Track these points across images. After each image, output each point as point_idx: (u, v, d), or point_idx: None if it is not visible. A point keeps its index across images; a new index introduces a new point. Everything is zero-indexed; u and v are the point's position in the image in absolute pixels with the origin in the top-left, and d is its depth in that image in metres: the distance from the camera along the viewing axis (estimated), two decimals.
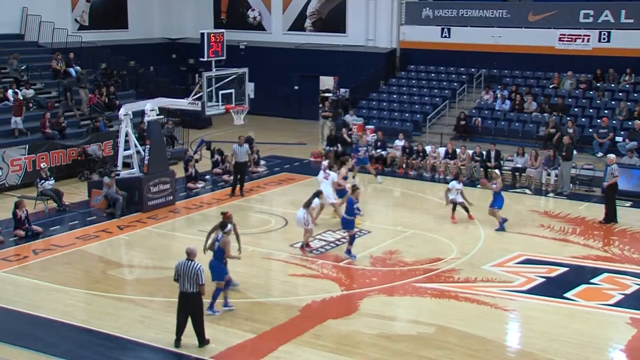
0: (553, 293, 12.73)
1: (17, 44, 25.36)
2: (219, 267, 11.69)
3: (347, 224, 14.36)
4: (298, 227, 14.69)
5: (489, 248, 15.00)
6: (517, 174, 20.64)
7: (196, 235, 15.67)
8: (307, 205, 14.40)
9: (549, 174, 20.07)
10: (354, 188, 14.68)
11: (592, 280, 13.36)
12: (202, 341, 10.61)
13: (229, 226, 11.96)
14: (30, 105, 21.90)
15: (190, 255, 10.52)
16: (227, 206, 17.23)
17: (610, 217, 16.78)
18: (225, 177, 20.54)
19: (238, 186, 18.90)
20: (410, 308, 12.21)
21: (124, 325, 11.26)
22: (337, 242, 15.38)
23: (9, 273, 13.43)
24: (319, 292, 12.72)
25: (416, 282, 13.19)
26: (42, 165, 18.75)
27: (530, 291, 12.88)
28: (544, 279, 13.41)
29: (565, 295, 12.68)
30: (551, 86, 24.84)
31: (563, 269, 13.88)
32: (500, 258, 14.46)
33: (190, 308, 10.50)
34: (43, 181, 17.54)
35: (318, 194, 14.96)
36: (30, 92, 22.29)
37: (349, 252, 14.32)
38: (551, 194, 19.66)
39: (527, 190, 19.96)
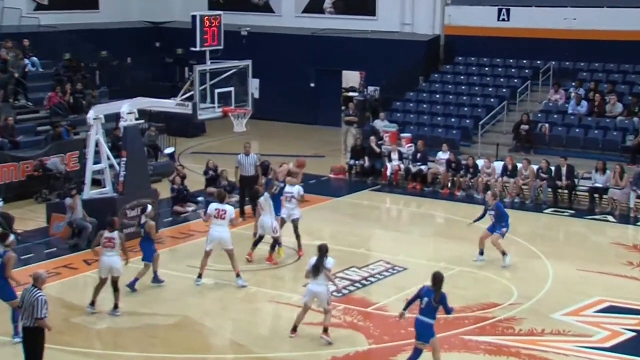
0: None
1: None
2: (3, 284, 12.13)
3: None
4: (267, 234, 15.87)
5: (560, 291, 14.93)
6: (596, 195, 20.57)
7: (184, 271, 15.78)
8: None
9: (638, 196, 19.98)
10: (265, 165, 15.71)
11: None
12: None
13: (11, 237, 12.55)
14: None
15: (37, 280, 10.66)
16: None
17: None
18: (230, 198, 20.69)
19: (248, 206, 18.92)
20: None
21: None
22: (364, 281, 15.40)
23: None
24: (341, 345, 12.70)
25: (465, 334, 13.14)
26: None
27: (616, 348, 12.78)
28: (634, 333, 13.31)
29: None
30: None
31: None
32: (574, 304, 14.37)
33: (25, 345, 10.55)
34: None
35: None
36: None
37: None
38: None
39: (609, 217, 19.88)
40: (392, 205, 21.97)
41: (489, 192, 17.10)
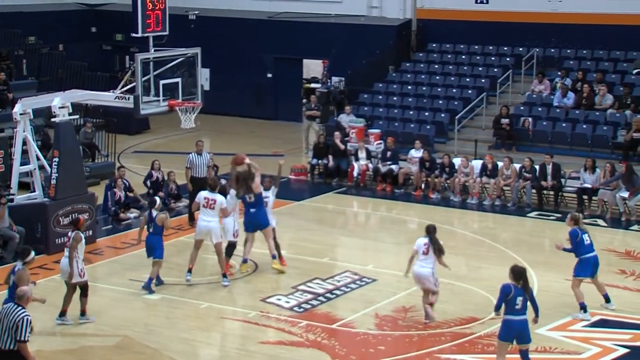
0: None
1: None
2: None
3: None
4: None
5: (546, 304, 14.98)
6: (585, 197, 20.81)
7: (126, 285, 15.67)
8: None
9: (622, 198, 20.22)
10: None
11: None
12: None
13: (32, 254, 12.52)
14: None
15: (21, 299, 10.58)
16: (172, 244, 17.25)
17: None
18: (177, 203, 20.61)
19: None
20: None
21: None
22: (329, 294, 15.41)
23: None
24: None
25: (442, 353, 13.18)
26: None
27: None
28: (627, 350, 13.40)
29: None
30: (635, 71, 25.13)
31: None
32: (562, 319, 14.47)
33: None
34: None
35: None
36: None
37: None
38: (635, 226, 19.81)
39: (599, 221, 20.11)
40: (359, 209, 22.04)
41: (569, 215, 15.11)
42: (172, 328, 14.06)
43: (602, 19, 25.95)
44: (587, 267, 14.44)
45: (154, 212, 15.37)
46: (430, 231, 13.97)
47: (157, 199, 15.90)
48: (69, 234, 14.13)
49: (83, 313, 14.07)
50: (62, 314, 13.96)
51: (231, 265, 16.48)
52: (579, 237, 14.40)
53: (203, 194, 15.80)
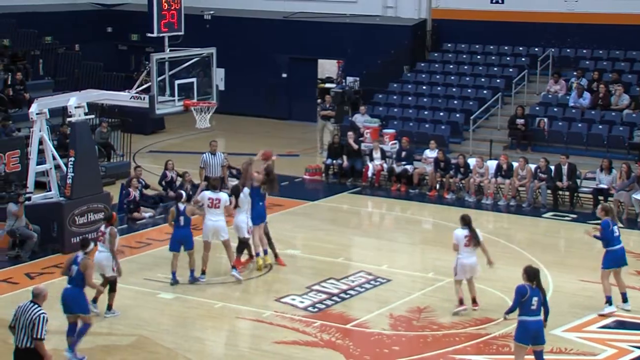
0: None
1: None
2: (80, 295, 12.64)
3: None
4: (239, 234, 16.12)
5: (562, 305, 15.01)
6: (600, 197, 20.74)
7: (141, 285, 15.72)
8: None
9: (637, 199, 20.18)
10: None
11: None
12: None
13: (92, 245, 13.05)
14: None
15: (37, 297, 10.67)
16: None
17: None
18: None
19: None
20: None
21: None
22: (343, 294, 15.42)
23: None
24: None
25: (457, 353, 13.17)
26: None
27: None
28: None
29: None
30: None
31: None
32: (577, 319, 14.45)
33: None
34: None
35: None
36: None
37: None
38: None
39: (616, 223, 19.97)
40: (374, 209, 22.03)
41: (600, 206, 15.53)
42: (187, 327, 14.10)
43: (618, 19, 25.85)
44: (615, 259, 14.54)
45: (181, 206, 15.51)
46: (468, 221, 14.36)
47: (183, 192, 16.04)
48: (102, 228, 14.35)
49: (110, 307, 14.25)
50: (94, 300, 14.16)
51: (245, 265, 16.51)
52: (610, 228, 14.51)
53: (207, 194, 15.86)
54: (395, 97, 26.94)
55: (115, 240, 14.11)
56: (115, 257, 14.12)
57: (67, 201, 17.58)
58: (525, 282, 11.64)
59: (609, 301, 14.51)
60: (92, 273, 12.88)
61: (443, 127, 25.07)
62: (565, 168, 21.00)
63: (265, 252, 16.50)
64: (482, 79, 26.74)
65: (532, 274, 11.68)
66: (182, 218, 15.50)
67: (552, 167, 21.21)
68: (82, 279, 12.62)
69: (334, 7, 29.97)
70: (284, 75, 31.11)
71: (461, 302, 14.47)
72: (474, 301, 14.54)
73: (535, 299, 11.55)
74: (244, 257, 16.58)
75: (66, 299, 12.70)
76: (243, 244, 16.37)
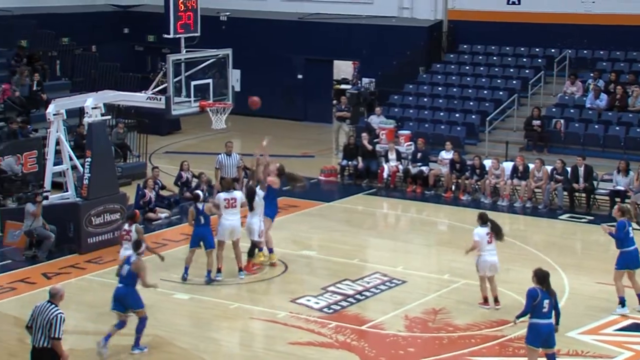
0: None
1: None
2: (133, 293, 12.97)
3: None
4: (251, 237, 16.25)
5: (578, 307, 14.97)
6: (617, 199, 20.62)
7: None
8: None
9: None
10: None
11: None
12: None
13: (144, 246, 13.37)
14: None
15: (54, 297, 10.69)
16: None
17: None
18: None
19: None
20: None
21: None
22: (358, 295, 15.42)
23: None
24: None
25: (472, 355, 13.16)
26: None
27: None
28: None
29: None
30: None
31: None
32: (594, 322, 14.40)
33: None
34: None
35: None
36: None
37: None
38: None
39: (633, 224, 19.85)
40: (389, 210, 22.00)
41: (616, 206, 15.56)
42: (202, 328, 14.12)
43: (635, 20, 25.76)
44: (629, 260, 14.50)
45: (200, 205, 15.63)
46: (487, 218, 14.49)
47: (200, 192, 16.13)
48: (126, 227, 14.71)
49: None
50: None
51: (259, 266, 16.52)
52: (626, 228, 14.50)
53: (222, 196, 15.93)
54: (410, 98, 26.91)
55: (143, 236, 14.34)
56: (152, 249, 14.80)
57: (84, 202, 17.64)
58: (536, 284, 11.61)
59: (622, 302, 14.47)
60: (146, 274, 13.09)
61: (459, 128, 25.02)
62: (581, 170, 20.93)
63: (271, 251, 16.54)
64: (498, 80, 26.68)
65: (542, 276, 11.65)
66: (201, 217, 15.64)
67: (569, 169, 21.13)
68: (133, 278, 12.91)
69: (349, 8, 29.97)
70: (300, 76, 31.13)
71: (485, 301, 14.67)
72: (496, 300, 14.66)
73: (546, 301, 11.51)
74: (261, 258, 16.62)
75: (120, 297, 12.92)
76: (254, 247, 16.40)
